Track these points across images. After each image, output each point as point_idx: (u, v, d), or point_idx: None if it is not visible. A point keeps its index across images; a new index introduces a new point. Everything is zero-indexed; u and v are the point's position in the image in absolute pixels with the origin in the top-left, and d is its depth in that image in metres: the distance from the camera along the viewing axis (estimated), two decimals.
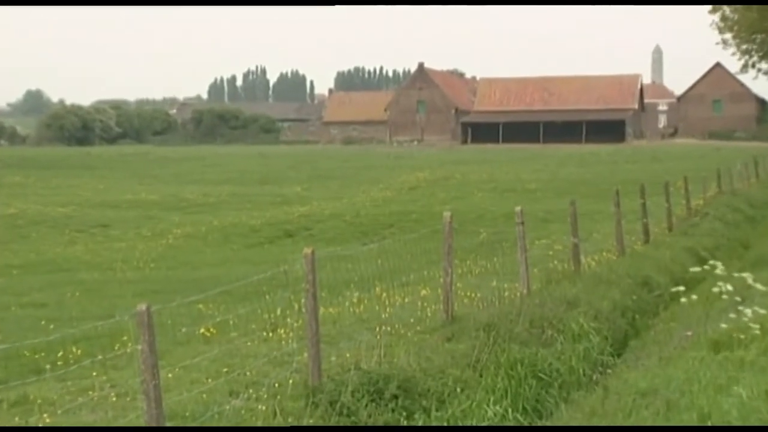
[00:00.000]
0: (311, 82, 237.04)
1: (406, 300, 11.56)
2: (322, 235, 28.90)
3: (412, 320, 10.16)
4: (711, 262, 9.12)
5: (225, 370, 8.11)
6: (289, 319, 10.48)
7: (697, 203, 24.41)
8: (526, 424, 7.74)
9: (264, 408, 7.04)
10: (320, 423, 6.88)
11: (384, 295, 11.85)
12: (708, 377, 6.61)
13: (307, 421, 6.85)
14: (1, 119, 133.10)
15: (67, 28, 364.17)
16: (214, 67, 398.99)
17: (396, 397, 7.26)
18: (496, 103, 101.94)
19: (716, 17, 49.38)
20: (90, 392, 7.68)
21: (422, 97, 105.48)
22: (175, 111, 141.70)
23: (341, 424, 6.91)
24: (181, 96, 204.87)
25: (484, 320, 9.44)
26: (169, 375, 7.83)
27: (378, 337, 9.15)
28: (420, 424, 7.15)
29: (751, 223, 23.70)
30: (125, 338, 9.14)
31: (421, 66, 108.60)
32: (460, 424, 7.29)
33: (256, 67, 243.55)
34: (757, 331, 7.66)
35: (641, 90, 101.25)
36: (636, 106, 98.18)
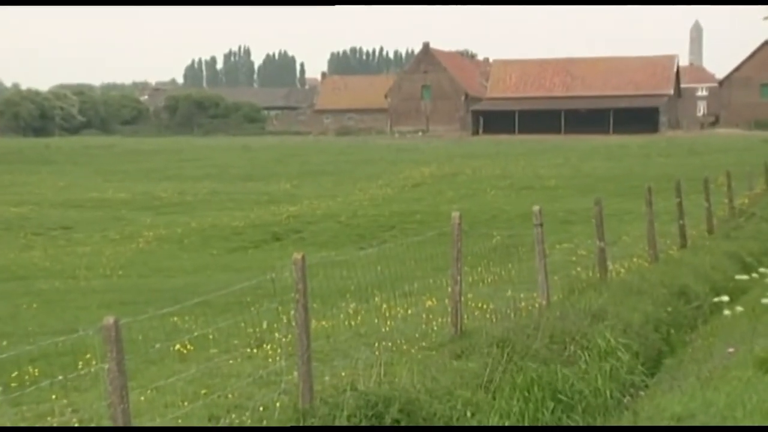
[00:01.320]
0: (301, 65, 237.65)
1: (410, 312, 11.58)
2: (313, 239, 28.98)
3: (416, 335, 10.17)
4: (762, 270, 9.11)
5: (204, 391, 8.12)
6: (276, 334, 10.49)
7: (741, 202, 24.41)
8: None
9: None
10: None
11: (384, 306, 11.87)
12: (754, 401, 6.60)
13: None
14: None
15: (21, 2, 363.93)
16: (191, 48, 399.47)
17: (398, 422, 7.26)
18: (511, 89, 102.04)
19: None
20: (48, 418, 7.68)
21: (428, 82, 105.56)
22: (146, 97, 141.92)
23: None
24: (153, 80, 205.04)
25: (497, 335, 9.45)
26: (141, 398, 7.83)
27: (377, 353, 9.16)
28: None
29: None
30: (89, 356, 9.14)
31: (426, 46, 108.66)
32: None
33: (239, 48, 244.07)
34: None
35: (677, 73, 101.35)
36: (671, 92, 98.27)
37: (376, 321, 11.05)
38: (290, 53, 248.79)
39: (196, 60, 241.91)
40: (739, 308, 9.08)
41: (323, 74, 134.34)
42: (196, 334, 9.97)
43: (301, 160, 59.96)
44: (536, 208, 11.99)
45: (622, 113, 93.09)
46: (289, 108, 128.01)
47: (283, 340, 9.92)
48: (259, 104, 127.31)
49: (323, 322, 11.13)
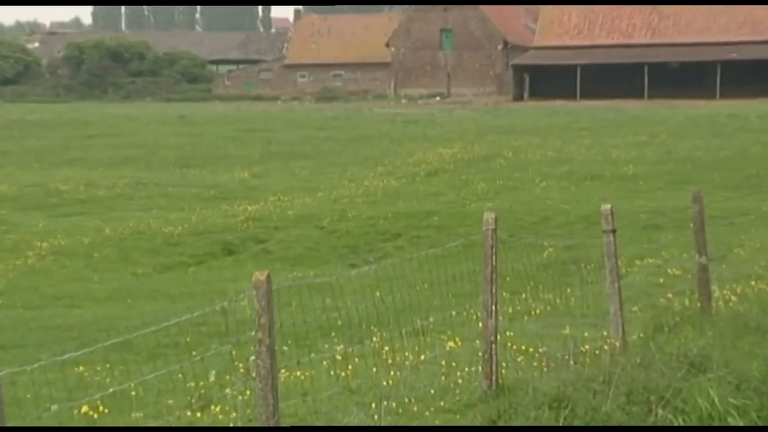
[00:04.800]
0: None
1: (422, 358, 11.60)
2: (283, 252, 28.97)
3: (431, 391, 10.20)
4: None
5: None
6: (228, 390, 10.52)
7: None
8: None
9: None
10: None
11: (386, 349, 11.89)
12: None
13: None
14: None
15: None
16: None
17: None
18: (570, 34, 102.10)
19: None
20: None
21: (449, 24, 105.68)
22: (37, 45, 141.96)
23: None
24: (47, 21, 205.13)
25: (550, 391, 9.47)
26: None
27: (376, 417, 9.19)
28: None
29: None
30: None
31: None
32: None
33: None
34: None
35: None
36: None
37: (374, 371, 11.08)
38: None
39: None
40: None
41: (297, 13, 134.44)
42: (111, 390, 9.99)
43: (266, 138, 59.93)
44: (606, 207, 12.01)
45: (734, 68, 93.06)
46: (248, 62, 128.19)
47: (240, 398, 9.95)
48: (204, 56, 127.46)
49: (297, 372, 11.15)
